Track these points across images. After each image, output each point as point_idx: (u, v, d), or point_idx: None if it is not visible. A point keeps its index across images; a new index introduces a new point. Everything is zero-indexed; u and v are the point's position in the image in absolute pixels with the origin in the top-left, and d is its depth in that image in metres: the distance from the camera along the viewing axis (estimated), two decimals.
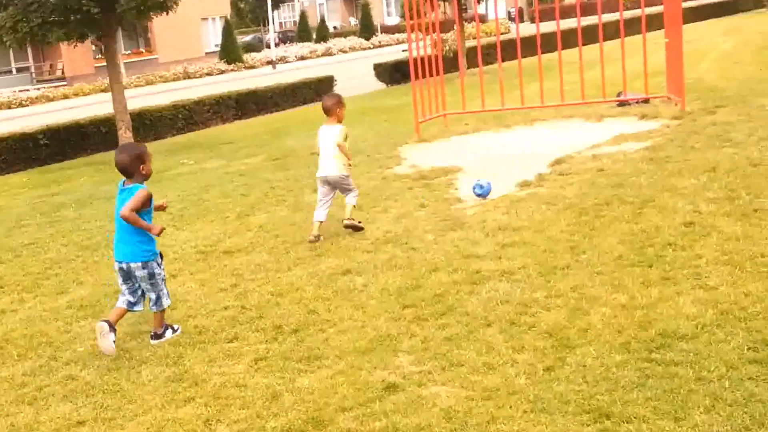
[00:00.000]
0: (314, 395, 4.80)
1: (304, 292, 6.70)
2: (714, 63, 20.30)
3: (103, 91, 36.56)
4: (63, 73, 47.03)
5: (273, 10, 56.06)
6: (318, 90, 26.81)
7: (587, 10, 43.50)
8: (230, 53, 48.18)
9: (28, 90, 41.85)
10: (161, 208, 6.44)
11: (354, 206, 8.37)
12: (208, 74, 45.54)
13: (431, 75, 14.57)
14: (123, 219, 5.83)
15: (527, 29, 35.18)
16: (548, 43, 21.13)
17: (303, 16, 69.90)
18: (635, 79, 16.04)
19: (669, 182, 8.48)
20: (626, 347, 4.83)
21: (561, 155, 10.79)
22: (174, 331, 6.16)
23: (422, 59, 14.17)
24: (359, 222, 8.37)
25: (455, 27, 23.76)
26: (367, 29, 62.30)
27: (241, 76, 43.21)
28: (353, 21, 78.35)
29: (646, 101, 14.10)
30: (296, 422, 4.50)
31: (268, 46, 53.09)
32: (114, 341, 5.79)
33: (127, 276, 6.01)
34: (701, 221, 7.02)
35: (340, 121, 8.26)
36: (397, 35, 58.43)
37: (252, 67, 48.62)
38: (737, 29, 32.91)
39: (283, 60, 50.82)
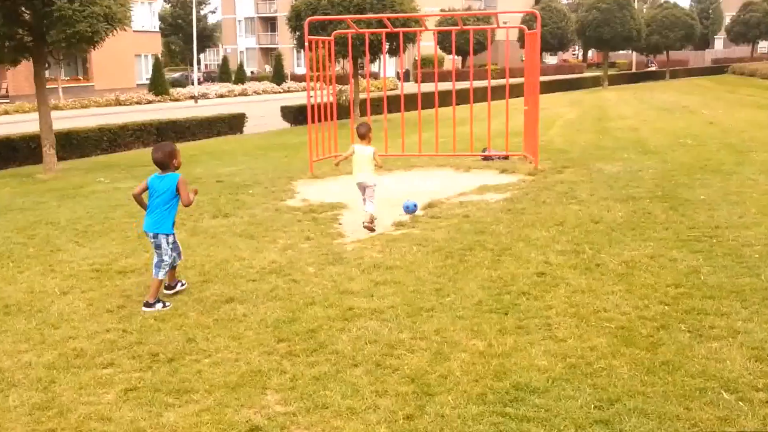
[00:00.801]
0: None
1: (186, 318, 5.85)
2: (561, 129, 20.36)
3: None
4: (7, 91, 44.31)
5: (199, 53, 54.45)
6: (231, 125, 25.76)
7: (461, 75, 43.94)
8: (158, 86, 46.36)
9: None
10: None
11: (372, 213, 8.82)
12: (137, 103, 43.59)
13: (326, 120, 13.92)
14: (186, 206, 6.26)
15: (411, 88, 34.98)
16: (428, 100, 20.83)
17: (225, 60, 68.41)
18: (497, 137, 15.83)
19: (524, 232, 8.02)
20: (483, 398, 4.21)
21: (433, 200, 10.29)
22: (164, 306, 6.09)
23: (319, 105, 13.52)
24: (374, 226, 8.67)
25: (351, 80, 23.25)
26: (278, 76, 61.34)
27: (166, 107, 41.54)
28: (268, 68, 77.13)
29: (506, 158, 13.79)
30: None
31: (193, 83, 51.40)
32: (164, 305, 6.07)
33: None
34: (551, 272, 6.53)
35: (369, 143, 9.06)
36: (303, 83, 57.60)
37: (177, 99, 46.87)
38: (579, 102, 33.64)
39: (204, 96, 49.21)
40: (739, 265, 6.54)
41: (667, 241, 7.37)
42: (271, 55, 77.02)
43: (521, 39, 31.06)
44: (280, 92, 56.03)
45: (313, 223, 9.26)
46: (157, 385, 4.62)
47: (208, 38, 71.24)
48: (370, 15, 22.19)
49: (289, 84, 59.16)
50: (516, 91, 30.39)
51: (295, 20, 25.46)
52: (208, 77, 69.44)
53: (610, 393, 4.18)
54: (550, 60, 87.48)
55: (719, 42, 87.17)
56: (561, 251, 7.19)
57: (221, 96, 51.13)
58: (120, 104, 42.72)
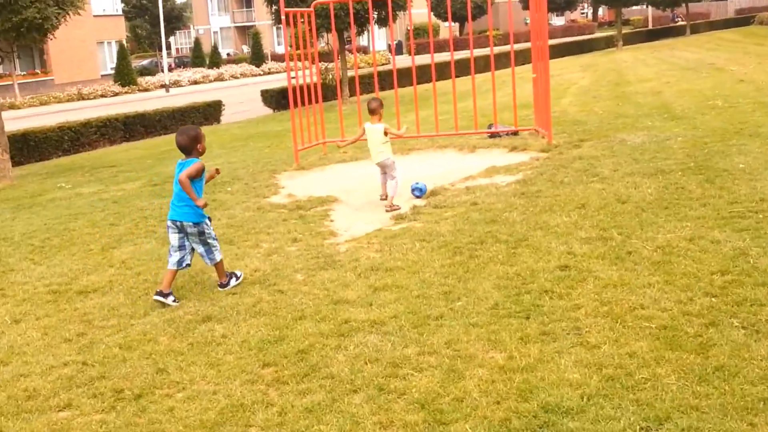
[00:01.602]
0: None
1: (156, 345, 5.54)
2: (575, 97, 20.00)
3: None
4: None
5: (169, 36, 54.07)
6: (206, 114, 25.44)
7: (460, 44, 43.52)
8: (124, 76, 45.99)
9: None
10: (212, 177, 6.89)
11: (391, 195, 9.19)
12: (102, 96, 43.29)
13: (311, 103, 13.58)
14: (179, 183, 6.34)
15: (405, 61, 34.62)
16: (424, 74, 20.50)
17: (197, 42, 67.89)
18: (504, 111, 15.49)
19: (541, 219, 7.69)
20: (506, 425, 3.89)
21: (436, 186, 9.97)
22: (237, 278, 6.68)
23: (302, 87, 13.18)
24: (398, 207, 9.04)
25: (336, 57, 22.88)
26: (257, 57, 60.90)
27: (135, 98, 41.19)
28: (245, 48, 76.67)
29: (515, 134, 13.44)
30: None
31: (164, 71, 51.00)
32: (175, 300, 6.36)
33: (181, 229, 6.51)
34: (576, 264, 6.21)
35: (381, 119, 9.26)
36: (285, 63, 57.27)
37: (146, 90, 46.56)
38: (593, 66, 33.24)
39: (176, 84, 48.85)
40: None
41: (706, 220, 7.05)
42: (248, 33, 76.55)
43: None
44: (260, 74, 55.70)
45: (301, 221, 8.95)
46: (122, 430, 4.31)
47: (178, 19, 70.60)
48: None
49: (270, 65, 58.79)
50: (522, 57, 30.12)
51: None
52: (180, 62, 69.05)
53: (658, 410, 3.86)
54: (557, 21, 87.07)
55: None
56: (586, 239, 6.87)
57: (195, 83, 50.80)
58: (83, 98, 42.43)
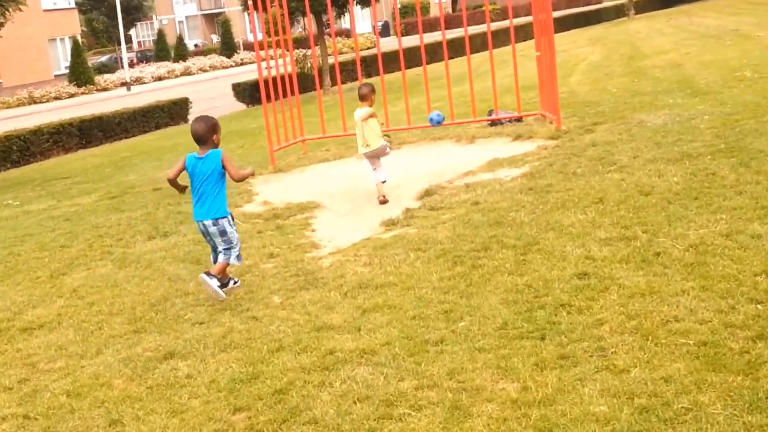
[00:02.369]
0: None
1: (110, 390, 5.25)
2: (585, 75, 19.79)
3: None
4: None
5: (129, 29, 53.84)
6: (172, 114, 25.21)
7: (453, 22, 43.33)
8: (80, 75, 45.80)
9: None
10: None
11: (380, 184, 9.45)
12: (57, 98, 43.09)
13: (287, 96, 13.31)
14: (238, 181, 7.07)
15: (393, 44, 34.42)
16: (413, 57, 20.26)
17: (161, 34, 67.54)
18: (506, 95, 15.26)
19: (553, 218, 7.43)
20: None
21: (431, 185, 9.73)
22: (236, 283, 6.93)
23: (276, 79, 12.92)
24: (386, 197, 9.39)
25: (320, 42, 22.63)
26: (228, 47, 60.69)
27: (93, 99, 40.97)
28: (215, 38, 76.42)
29: (519, 120, 13.20)
30: None
31: (124, 67, 50.76)
32: (218, 286, 6.53)
33: (206, 232, 6.82)
34: (596, 271, 5.94)
35: (372, 105, 9.38)
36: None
37: (105, 89, 46.41)
38: (602, 39, 33.10)
39: (139, 81, 48.68)
40: None
41: (744, 211, 6.79)
42: (216, 22, 76.23)
43: None
44: (232, 66, 55.60)
45: (278, 233, 8.71)
46: None
47: (138, 9, 70.24)
48: None
49: (242, 55, 58.66)
50: (523, 33, 29.90)
51: None
52: (143, 57, 68.79)
53: None
54: None
55: None
56: (605, 239, 6.60)
57: (159, 78, 50.65)
58: (35, 102, 42.28)
